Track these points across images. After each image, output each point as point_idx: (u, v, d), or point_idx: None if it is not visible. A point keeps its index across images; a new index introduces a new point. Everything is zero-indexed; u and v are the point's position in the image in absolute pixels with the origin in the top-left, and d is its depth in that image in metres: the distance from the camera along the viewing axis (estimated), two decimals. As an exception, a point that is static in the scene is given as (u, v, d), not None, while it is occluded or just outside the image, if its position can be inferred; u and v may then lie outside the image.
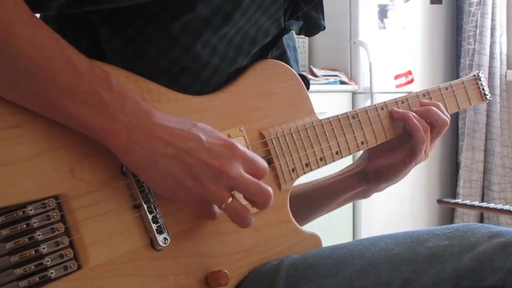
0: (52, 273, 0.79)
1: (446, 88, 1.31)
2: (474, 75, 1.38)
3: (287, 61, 1.14)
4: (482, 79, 1.38)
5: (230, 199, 0.87)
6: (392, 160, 1.23)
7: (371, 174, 1.25)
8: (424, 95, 1.26)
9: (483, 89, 1.38)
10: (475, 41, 3.83)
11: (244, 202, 0.89)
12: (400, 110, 1.21)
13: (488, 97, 1.38)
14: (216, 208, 0.89)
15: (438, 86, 1.30)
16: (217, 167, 0.85)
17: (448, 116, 1.24)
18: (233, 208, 0.87)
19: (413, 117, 1.19)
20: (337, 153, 1.13)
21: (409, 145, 1.21)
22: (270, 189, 0.89)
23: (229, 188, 0.87)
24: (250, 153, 0.89)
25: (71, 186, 0.84)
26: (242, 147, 0.89)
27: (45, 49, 0.81)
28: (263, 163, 0.91)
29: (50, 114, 0.83)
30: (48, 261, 0.79)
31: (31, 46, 0.80)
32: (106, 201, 0.86)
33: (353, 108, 3.50)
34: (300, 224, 1.27)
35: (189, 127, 0.87)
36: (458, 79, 1.35)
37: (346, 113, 1.15)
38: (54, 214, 0.81)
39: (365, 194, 1.28)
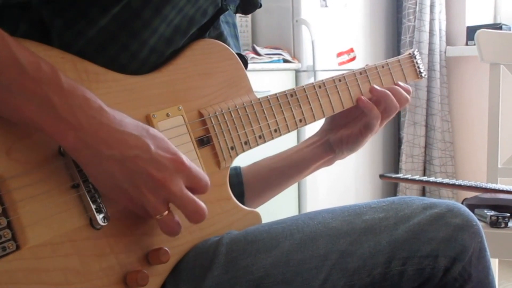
0: None
1: (383, 66, 1.33)
2: (410, 53, 1.41)
3: (224, 41, 1.15)
4: (417, 57, 1.41)
5: (166, 212, 0.88)
6: (351, 131, 1.29)
7: (334, 145, 1.31)
8: (361, 73, 1.29)
9: (418, 67, 1.41)
10: (415, 18, 3.87)
11: None
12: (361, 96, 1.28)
13: (423, 74, 1.42)
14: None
15: (375, 64, 1.32)
16: (159, 179, 0.86)
17: (406, 97, 1.32)
18: (166, 221, 0.89)
19: (364, 99, 1.27)
20: (275, 131, 1.14)
21: (364, 119, 1.28)
22: (205, 208, 0.90)
23: (166, 201, 0.88)
24: (195, 170, 0.90)
25: (7, 167, 0.83)
26: (189, 163, 0.89)
27: None
28: (205, 180, 0.92)
29: None
30: None
31: None
32: (44, 182, 0.86)
33: (296, 86, 3.52)
34: (272, 195, 1.33)
35: (141, 132, 0.88)
36: (394, 57, 1.38)
37: (285, 92, 1.17)
38: None
39: (329, 162, 1.35)
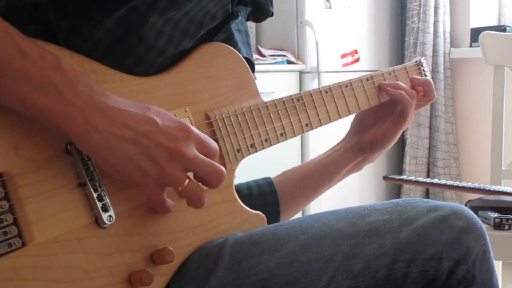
0: None
1: (389, 73, 1.35)
2: (417, 61, 1.42)
3: (233, 44, 1.15)
4: (424, 65, 1.42)
5: (187, 180, 0.89)
6: (384, 127, 1.31)
7: (367, 145, 1.32)
8: (367, 80, 1.30)
9: (425, 75, 1.42)
10: (419, 19, 3.87)
11: None
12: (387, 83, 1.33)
13: None
14: (167, 200, 0.92)
15: (381, 71, 1.34)
16: (174, 148, 0.87)
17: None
18: (190, 189, 0.90)
19: (389, 87, 1.32)
20: (281, 134, 1.15)
21: (397, 110, 1.31)
22: (223, 168, 0.92)
23: (185, 169, 0.89)
24: (202, 135, 0.92)
25: (15, 164, 0.84)
26: (195, 129, 0.91)
27: None
28: (214, 144, 0.94)
29: (2, 100, 0.82)
30: None
31: None
32: (51, 179, 0.86)
33: (300, 87, 3.52)
34: (306, 203, 1.35)
35: (144, 110, 0.89)
36: (401, 65, 1.39)
37: (291, 96, 1.18)
38: None
39: (359, 167, 1.36)
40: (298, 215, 3.41)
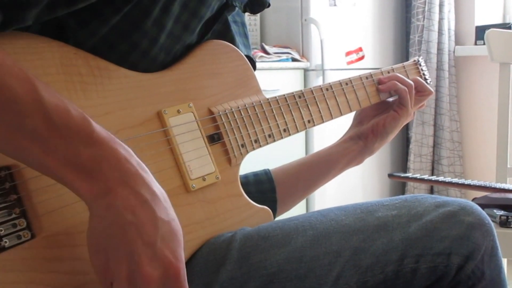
0: (5, 242, 0.80)
1: (388, 72, 1.36)
2: (415, 60, 1.45)
3: (231, 36, 1.15)
4: (422, 64, 1.45)
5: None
6: (386, 114, 1.32)
7: (369, 131, 1.33)
8: (367, 78, 1.32)
9: (424, 74, 1.44)
10: (424, 17, 3.86)
11: None
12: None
13: (428, 81, 1.44)
14: None
15: (381, 70, 1.36)
16: (144, 275, 0.75)
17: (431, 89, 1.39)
18: None
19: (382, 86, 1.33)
20: (284, 130, 1.16)
21: (396, 99, 1.32)
22: None
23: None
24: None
25: None
26: (184, 278, 0.79)
27: (14, 91, 0.74)
28: None
29: (20, 159, 0.79)
30: (1, 230, 0.80)
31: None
32: None
33: (305, 85, 3.52)
34: (303, 194, 1.35)
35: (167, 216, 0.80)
36: (400, 64, 1.41)
37: (292, 93, 1.19)
38: (6, 184, 0.81)
39: (360, 158, 1.35)
40: (302, 209, 3.39)
